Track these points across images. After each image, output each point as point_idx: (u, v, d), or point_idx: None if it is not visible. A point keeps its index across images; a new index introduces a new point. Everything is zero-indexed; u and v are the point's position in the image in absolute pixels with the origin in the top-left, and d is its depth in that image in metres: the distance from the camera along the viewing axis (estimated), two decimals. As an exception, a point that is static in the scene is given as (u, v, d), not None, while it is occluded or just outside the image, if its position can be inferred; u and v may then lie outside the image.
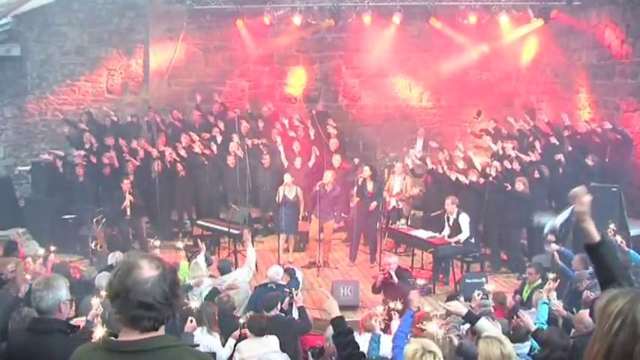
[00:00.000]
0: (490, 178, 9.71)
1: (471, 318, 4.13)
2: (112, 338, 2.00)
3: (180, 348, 2.01)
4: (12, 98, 13.32)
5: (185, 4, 12.55)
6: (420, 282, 7.56)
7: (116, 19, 13.45)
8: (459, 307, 4.30)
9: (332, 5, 11.94)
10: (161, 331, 1.99)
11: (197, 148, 11.38)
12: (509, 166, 10.08)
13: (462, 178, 9.96)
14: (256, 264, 9.64)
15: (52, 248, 7.85)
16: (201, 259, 7.90)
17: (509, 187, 9.44)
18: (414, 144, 13.00)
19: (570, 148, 10.20)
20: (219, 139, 11.94)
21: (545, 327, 5.40)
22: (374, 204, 9.99)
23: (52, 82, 13.43)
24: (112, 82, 13.69)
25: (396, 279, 7.37)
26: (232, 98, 13.92)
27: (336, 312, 3.51)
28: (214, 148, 11.61)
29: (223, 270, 7.69)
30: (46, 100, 13.44)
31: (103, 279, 6.53)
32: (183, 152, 11.26)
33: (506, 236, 9.96)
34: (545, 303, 5.78)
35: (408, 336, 4.73)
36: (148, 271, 1.94)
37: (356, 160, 11.94)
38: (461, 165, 10.69)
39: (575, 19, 11.82)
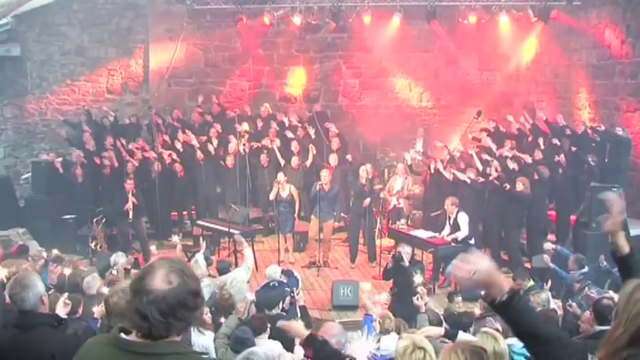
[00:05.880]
0: (491, 178, 9.72)
1: (450, 335, 4.33)
2: (123, 335, 1.96)
3: (189, 355, 1.97)
4: (12, 98, 13.32)
5: (185, 4, 12.54)
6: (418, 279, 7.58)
7: (116, 19, 13.45)
8: (435, 330, 4.55)
9: (332, 5, 11.94)
10: (176, 337, 1.95)
11: (195, 142, 11.39)
12: (510, 166, 10.06)
13: (462, 175, 9.94)
14: (256, 264, 9.66)
15: (55, 252, 7.83)
16: (200, 257, 7.85)
17: (508, 187, 9.44)
18: (414, 144, 13.00)
19: (574, 149, 10.17)
20: (215, 140, 11.88)
21: None
22: (367, 200, 10.00)
23: (52, 82, 13.43)
24: (112, 82, 13.69)
25: (407, 262, 7.65)
26: (232, 98, 13.94)
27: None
28: (212, 148, 11.60)
29: (222, 270, 7.65)
30: (46, 100, 13.44)
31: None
32: (179, 146, 11.32)
33: (506, 236, 9.96)
34: None
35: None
36: (158, 282, 1.87)
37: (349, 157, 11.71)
38: (461, 165, 10.67)
39: (575, 19, 11.82)
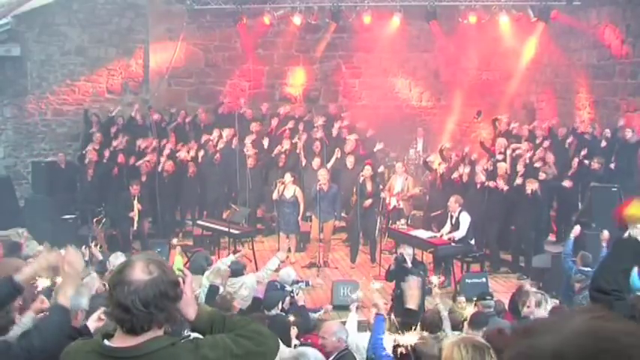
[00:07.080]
0: (517, 182, 9.54)
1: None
2: (106, 342, 1.93)
3: (176, 346, 1.94)
4: (12, 98, 13.30)
5: (185, 4, 12.55)
6: (435, 280, 7.60)
7: (116, 19, 13.44)
8: None
9: (332, 5, 11.94)
10: (159, 331, 1.94)
11: (219, 144, 11.40)
12: (519, 168, 9.95)
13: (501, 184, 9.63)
14: (256, 264, 9.66)
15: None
16: (223, 265, 7.57)
17: (530, 192, 9.23)
18: (415, 144, 12.99)
19: (583, 153, 10.04)
20: (234, 140, 11.81)
21: None
22: (368, 201, 9.99)
23: (52, 82, 13.41)
24: (112, 82, 13.68)
25: (409, 264, 7.62)
26: (232, 98, 13.91)
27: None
28: (234, 146, 11.52)
29: (235, 272, 7.54)
30: (46, 100, 13.43)
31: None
32: (193, 153, 11.31)
33: (518, 238, 9.90)
34: None
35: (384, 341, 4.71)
36: (137, 273, 1.88)
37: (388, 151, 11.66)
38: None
39: (575, 19, 11.83)
